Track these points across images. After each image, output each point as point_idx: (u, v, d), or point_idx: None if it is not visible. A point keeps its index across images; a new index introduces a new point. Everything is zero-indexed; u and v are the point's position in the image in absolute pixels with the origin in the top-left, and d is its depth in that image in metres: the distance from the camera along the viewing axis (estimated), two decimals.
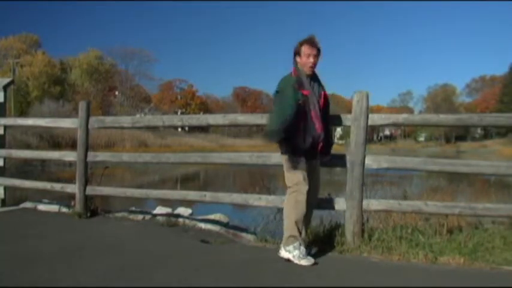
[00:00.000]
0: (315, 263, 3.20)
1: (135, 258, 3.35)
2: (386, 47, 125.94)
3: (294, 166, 3.31)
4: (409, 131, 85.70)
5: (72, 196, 5.08)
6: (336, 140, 43.44)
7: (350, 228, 3.70)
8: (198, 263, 3.27)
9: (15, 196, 6.48)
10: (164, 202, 5.76)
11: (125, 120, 5.33)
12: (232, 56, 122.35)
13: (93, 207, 5.01)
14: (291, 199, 3.33)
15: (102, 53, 55.76)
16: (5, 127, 5.82)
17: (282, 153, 3.44)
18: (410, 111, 70.21)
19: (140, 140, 36.11)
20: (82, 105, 5.01)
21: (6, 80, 5.96)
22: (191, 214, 5.42)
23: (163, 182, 16.79)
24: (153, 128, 30.13)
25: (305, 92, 3.33)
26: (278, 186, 5.02)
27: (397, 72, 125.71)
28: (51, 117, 8.13)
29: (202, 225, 4.58)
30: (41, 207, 5.43)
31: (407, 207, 3.75)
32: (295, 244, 3.24)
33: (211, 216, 5.10)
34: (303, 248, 3.25)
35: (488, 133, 76.65)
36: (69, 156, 5.39)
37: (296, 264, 3.19)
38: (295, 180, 3.31)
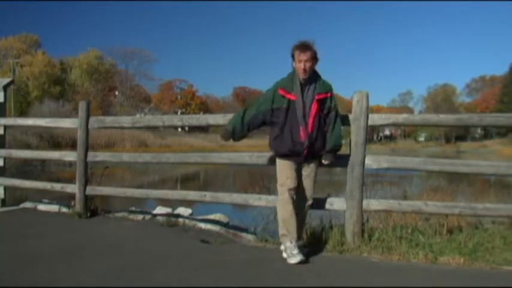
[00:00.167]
0: (302, 261, 3.22)
1: (135, 258, 3.35)
2: (386, 47, 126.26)
3: (280, 167, 3.46)
4: (409, 131, 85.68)
5: (72, 196, 5.08)
6: None
7: (350, 228, 3.71)
8: (198, 263, 3.27)
9: (15, 196, 6.49)
10: (164, 202, 5.77)
11: (125, 120, 5.33)
12: (232, 56, 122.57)
13: (93, 207, 5.01)
14: (278, 199, 3.50)
15: (102, 53, 55.91)
16: (5, 127, 5.82)
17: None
18: (410, 111, 70.19)
19: (140, 140, 36.10)
20: (82, 105, 5.01)
21: (6, 80, 5.95)
22: (191, 214, 5.43)
23: (163, 182, 16.80)
24: (153, 128, 30.13)
25: (291, 97, 3.36)
26: None
27: (397, 72, 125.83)
28: (51, 117, 8.12)
29: (202, 225, 4.58)
30: (41, 207, 5.43)
31: (407, 207, 3.75)
32: (285, 242, 3.36)
33: (211, 216, 5.10)
34: (290, 245, 3.31)
35: (488, 133, 76.63)
36: (69, 156, 5.39)
37: (296, 264, 3.20)
38: (280, 181, 3.45)
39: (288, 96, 3.36)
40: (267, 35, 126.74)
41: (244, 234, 4.43)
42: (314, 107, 3.36)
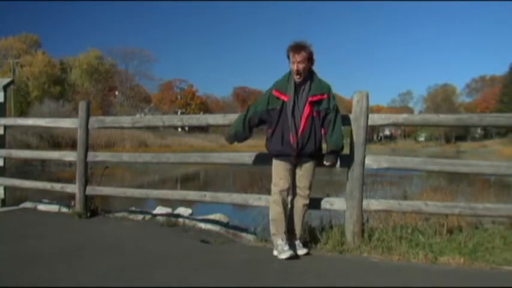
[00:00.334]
0: (292, 257, 3.29)
1: (135, 258, 3.35)
2: (386, 47, 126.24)
3: (274, 167, 3.49)
4: (409, 131, 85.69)
5: (72, 196, 5.08)
6: None
7: (350, 228, 3.71)
8: (198, 263, 3.27)
9: (15, 196, 6.49)
10: (164, 202, 5.76)
11: (125, 120, 5.33)
12: (232, 56, 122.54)
13: (93, 207, 5.01)
14: (270, 199, 3.57)
15: (102, 53, 55.90)
16: (5, 127, 5.82)
17: None
18: (410, 111, 70.18)
19: (140, 140, 36.10)
20: (82, 105, 5.01)
21: (6, 80, 5.96)
22: (191, 214, 5.43)
23: (163, 182, 16.79)
24: (153, 128, 30.13)
25: (284, 98, 3.36)
26: None
27: (397, 72, 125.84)
28: (51, 117, 8.13)
29: (202, 225, 4.58)
30: (41, 207, 5.43)
31: (407, 207, 3.75)
32: (276, 240, 3.42)
33: (211, 216, 5.10)
34: (281, 243, 3.37)
35: (488, 133, 76.62)
36: (69, 156, 5.39)
37: (296, 264, 3.21)
38: (274, 180, 3.50)
39: (282, 97, 3.37)
40: (267, 35, 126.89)
41: (244, 234, 4.43)
42: (306, 109, 3.34)
